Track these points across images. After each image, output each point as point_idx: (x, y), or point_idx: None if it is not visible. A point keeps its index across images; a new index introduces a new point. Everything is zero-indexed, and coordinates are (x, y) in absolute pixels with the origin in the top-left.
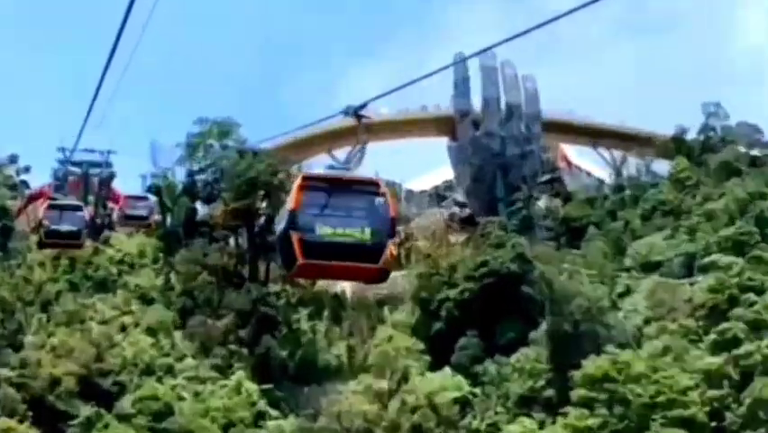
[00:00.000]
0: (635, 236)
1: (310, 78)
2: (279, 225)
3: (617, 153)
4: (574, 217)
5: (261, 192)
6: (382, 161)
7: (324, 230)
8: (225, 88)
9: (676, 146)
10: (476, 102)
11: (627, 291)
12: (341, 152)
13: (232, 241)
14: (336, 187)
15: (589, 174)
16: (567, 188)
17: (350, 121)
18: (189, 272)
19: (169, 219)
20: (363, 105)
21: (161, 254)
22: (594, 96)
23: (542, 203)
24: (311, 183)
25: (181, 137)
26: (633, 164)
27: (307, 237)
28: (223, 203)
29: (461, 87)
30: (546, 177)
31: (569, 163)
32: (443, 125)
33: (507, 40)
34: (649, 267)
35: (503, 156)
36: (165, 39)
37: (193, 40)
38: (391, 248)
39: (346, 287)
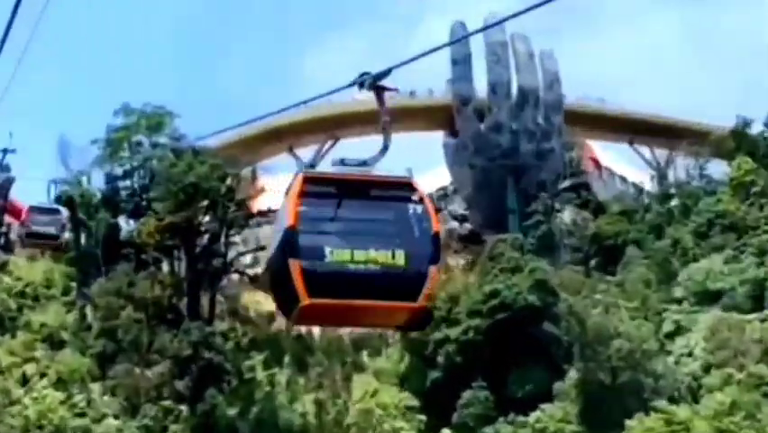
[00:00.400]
0: (687, 259)
1: (261, 58)
2: (271, 249)
3: (661, 152)
4: (608, 234)
5: (204, 202)
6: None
7: (337, 255)
8: (156, 71)
9: (736, 142)
10: (480, 86)
11: (679, 330)
12: (305, 151)
13: (165, 266)
14: (352, 191)
15: (624, 179)
16: (597, 196)
17: (315, 112)
18: (111, 307)
19: (84, 238)
20: (387, 73)
21: (74, 284)
22: (628, 79)
23: (566, 216)
24: (315, 187)
25: (100, 131)
26: (681, 166)
27: (313, 266)
28: (154, 217)
29: (461, 67)
30: (570, 182)
31: (598, 165)
32: (437, 116)
33: (522, 11)
34: (707, 298)
35: (515, 155)
36: (78, 7)
37: (117, 10)
38: (434, 277)
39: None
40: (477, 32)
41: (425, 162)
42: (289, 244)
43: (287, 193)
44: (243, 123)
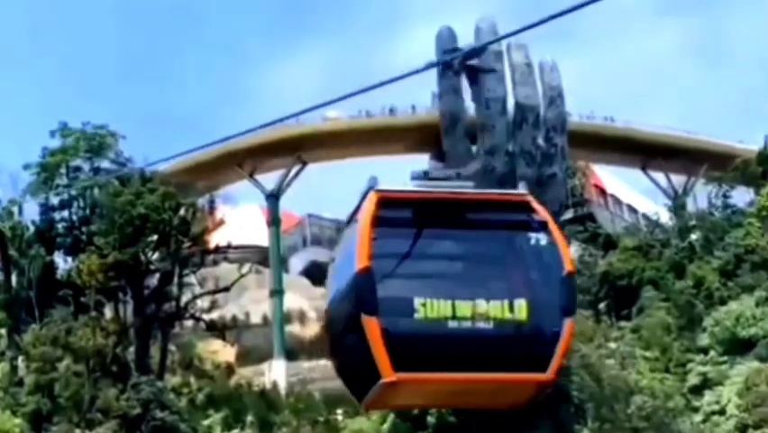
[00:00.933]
0: (712, 301)
1: (216, 72)
2: (330, 299)
3: (678, 179)
4: (621, 273)
5: (154, 237)
6: (327, 190)
7: (432, 308)
8: (98, 86)
9: (764, 167)
10: (471, 102)
11: (707, 384)
12: (269, 177)
13: (109, 311)
14: (448, 216)
15: (632, 209)
16: (604, 229)
17: (279, 133)
18: (46, 358)
19: (14, 278)
20: (481, 49)
21: (3, 331)
22: (624, 96)
23: (571, 252)
24: (395, 211)
25: (33, 155)
26: (702, 194)
27: (399, 326)
28: (96, 253)
29: (449, 79)
30: (572, 213)
31: (603, 193)
32: (421, 137)
33: (524, 28)
34: (737, 347)
35: (512, 182)
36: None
37: (53, 15)
38: (569, 336)
39: (279, 377)
40: (470, 51)
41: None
42: (363, 294)
43: (352, 220)
44: (201, 147)
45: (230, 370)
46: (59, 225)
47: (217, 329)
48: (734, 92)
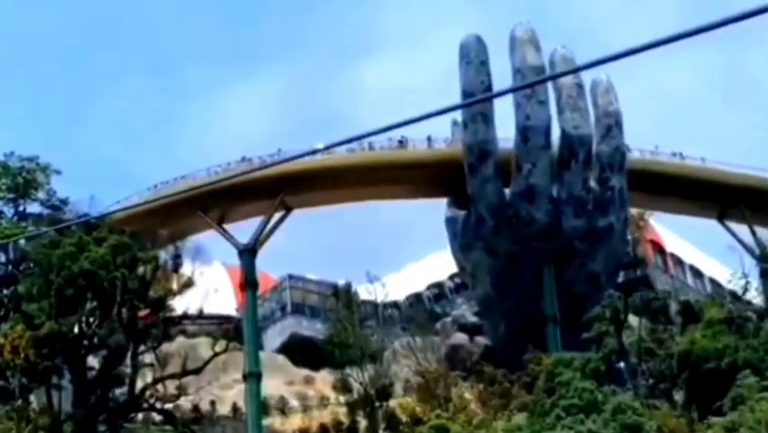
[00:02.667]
0: None
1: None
2: None
3: (764, 232)
4: (707, 353)
5: (95, 302)
6: (321, 241)
7: None
8: (26, 114)
9: None
10: (504, 132)
11: None
12: (237, 226)
13: (39, 398)
14: None
15: (697, 272)
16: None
17: (253, 172)
18: None
19: None
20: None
21: None
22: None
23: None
24: None
25: None
26: None
27: None
28: (23, 323)
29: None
30: (622, 276)
31: (661, 251)
32: (437, 176)
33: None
34: None
35: (556, 236)
36: None
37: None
38: None
39: None
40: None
41: (418, 245)
42: None
43: None
44: (157, 186)
45: None
46: None
47: (176, 423)
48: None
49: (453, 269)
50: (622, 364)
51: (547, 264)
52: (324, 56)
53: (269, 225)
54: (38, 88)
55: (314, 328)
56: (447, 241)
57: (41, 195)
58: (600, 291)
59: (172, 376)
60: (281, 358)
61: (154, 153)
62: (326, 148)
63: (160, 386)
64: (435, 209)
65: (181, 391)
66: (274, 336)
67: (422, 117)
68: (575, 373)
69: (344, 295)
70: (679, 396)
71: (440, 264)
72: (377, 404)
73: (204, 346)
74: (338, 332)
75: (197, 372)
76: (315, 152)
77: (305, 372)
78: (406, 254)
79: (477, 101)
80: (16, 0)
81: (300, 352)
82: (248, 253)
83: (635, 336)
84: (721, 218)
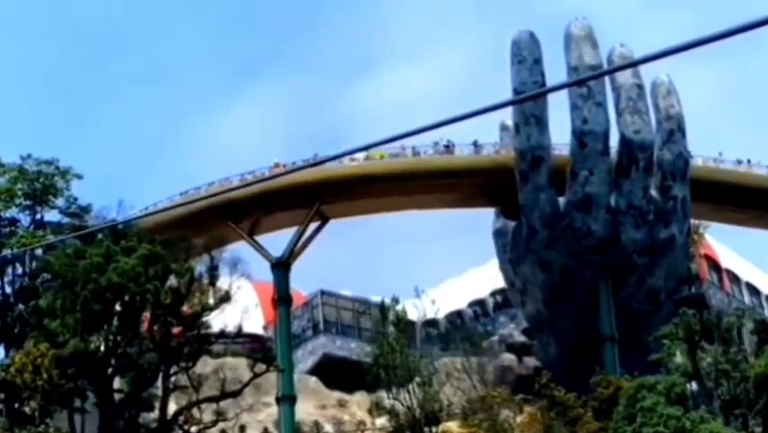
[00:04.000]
0: None
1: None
2: None
3: None
4: None
5: (124, 318)
6: (344, 257)
7: None
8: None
9: None
10: (558, 137)
11: None
12: (273, 237)
13: (61, 423)
14: None
15: (755, 290)
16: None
17: (286, 179)
18: None
19: None
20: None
21: None
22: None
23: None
24: None
25: None
26: None
27: None
28: (42, 342)
29: (530, 105)
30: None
31: (717, 267)
32: (485, 183)
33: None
34: None
35: (614, 249)
36: None
37: None
38: None
39: None
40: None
41: (460, 260)
42: None
43: None
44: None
45: None
46: None
47: None
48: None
49: (495, 285)
50: (694, 388)
51: (604, 280)
52: (327, 70)
53: (305, 237)
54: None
55: (347, 348)
56: (486, 255)
57: (60, 202)
58: (660, 309)
59: (209, 400)
60: (313, 380)
61: (153, 166)
62: (365, 148)
63: (194, 410)
64: (473, 221)
65: (219, 415)
66: (305, 356)
67: (467, 115)
68: (659, 398)
69: (388, 312)
70: (755, 422)
71: (481, 280)
72: (425, 430)
73: (233, 368)
74: (385, 352)
75: (235, 394)
76: (353, 152)
77: (338, 394)
78: (445, 270)
79: (519, 100)
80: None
81: (333, 373)
82: (281, 267)
83: (707, 357)
84: None
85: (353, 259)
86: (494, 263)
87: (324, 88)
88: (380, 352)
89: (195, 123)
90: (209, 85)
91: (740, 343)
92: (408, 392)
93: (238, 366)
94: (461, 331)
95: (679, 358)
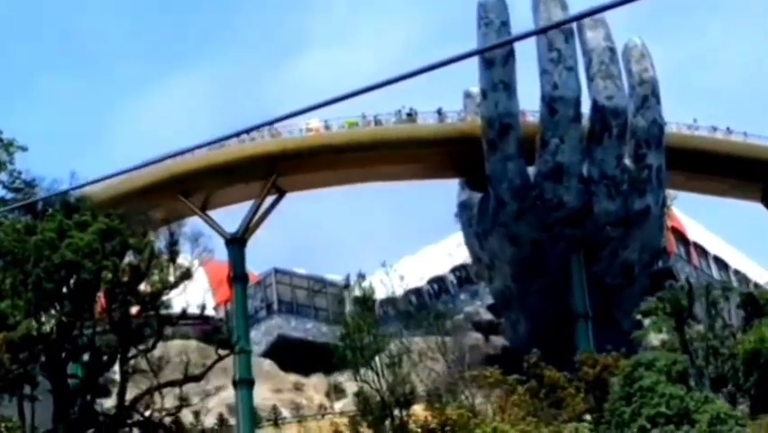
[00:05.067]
0: None
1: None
2: None
3: None
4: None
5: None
6: (323, 225)
7: None
8: None
9: None
10: (527, 104)
11: None
12: (228, 211)
13: (9, 411)
14: None
15: (722, 263)
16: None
17: (239, 150)
18: None
19: None
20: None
21: None
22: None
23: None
24: None
25: None
26: None
27: None
28: None
29: (497, 70)
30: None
31: (685, 240)
32: (450, 153)
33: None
34: None
35: (586, 220)
36: None
37: None
38: None
39: None
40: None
41: (425, 232)
42: None
43: None
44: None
45: None
46: None
47: None
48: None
49: (455, 262)
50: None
51: (576, 253)
52: (256, 52)
53: (260, 211)
54: None
55: (303, 329)
56: (443, 232)
57: (3, 176)
58: (634, 284)
59: (171, 384)
60: (267, 362)
61: (83, 152)
62: (314, 108)
63: (159, 397)
64: (428, 194)
65: (183, 401)
66: (258, 338)
67: (428, 69)
68: (659, 377)
69: (353, 289)
70: (743, 401)
71: (439, 257)
72: (396, 413)
73: (186, 351)
74: (351, 332)
75: (198, 378)
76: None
77: (294, 377)
78: (400, 247)
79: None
80: None
81: (288, 355)
82: (236, 243)
83: (693, 334)
84: (765, 201)
85: (300, 236)
86: (451, 240)
87: (255, 69)
88: (346, 331)
89: (123, 107)
90: (137, 71)
91: (728, 318)
92: (377, 374)
93: (190, 349)
94: (421, 309)
95: (664, 335)
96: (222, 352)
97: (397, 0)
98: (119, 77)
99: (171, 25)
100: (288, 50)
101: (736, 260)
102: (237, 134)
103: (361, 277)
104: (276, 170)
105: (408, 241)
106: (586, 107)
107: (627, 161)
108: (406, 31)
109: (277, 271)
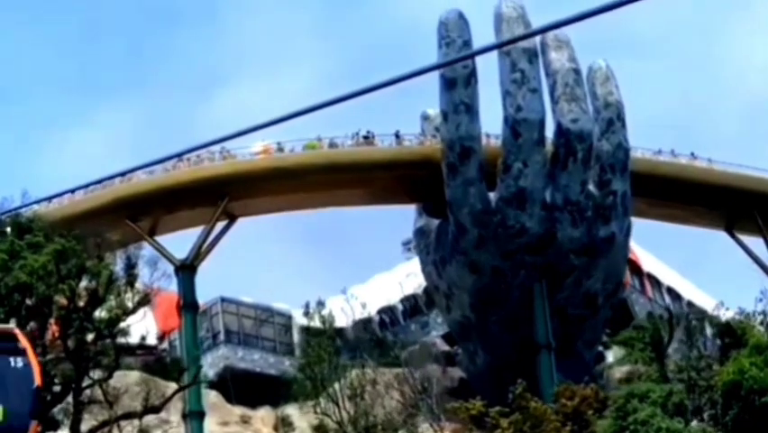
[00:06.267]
0: None
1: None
2: None
3: None
4: (758, 385)
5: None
6: (246, 261)
7: None
8: None
9: None
10: (489, 126)
11: None
12: (176, 237)
13: None
14: None
15: (675, 295)
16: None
17: (187, 173)
18: None
19: None
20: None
21: None
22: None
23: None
24: None
25: None
26: None
27: None
28: None
29: (458, 91)
30: None
31: (638, 271)
32: (407, 177)
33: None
34: None
35: (549, 248)
36: None
37: None
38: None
39: None
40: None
41: (378, 260)
42: None
43: None
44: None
45: None
46: None
47: None
48: None
49: (406, 291)
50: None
51: (538, 282)
52: (178, 85)
53: (211, 237)
54: None
55: (250, 359)
56: (393, 260)
57: None
58: (597, 314)
59: (128, 416)
60: (213, 394)
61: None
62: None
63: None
64: (380, 220)
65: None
66: (204, 369)
67: (379, 86)
68: (655, 409)
69: (314, 318)
70: None
71: (389, 286)
72: None
73: (136, 381)
74: (312, 362)
75: (157, 410)
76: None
77: (240, 410)
78: (349, 276)
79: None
80: None
81: (235, 386)
82: (186, 270)
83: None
84: (730, 229)
85: (242, 263)
86: (402, 269)
87: (177, 104)
88: (306, 361)
89: (43, 139)
90: (58, 102)
91: (704, 348)
92: (337, 405)
93: (134, 380)
94: (371, 340)
95: (628, 366)
96: (175, 384)
97: (332, 25)
98: (39, 110)
99: (92, 59)
100: (215, 81)
101: (688, 290)
102: (187, 152)
103: (321, 305)
104: (227, 195)
105: (358, 269)
106: (550, 131)
107: (592, 187)
108: (341, 55)
109: (223, 299)
